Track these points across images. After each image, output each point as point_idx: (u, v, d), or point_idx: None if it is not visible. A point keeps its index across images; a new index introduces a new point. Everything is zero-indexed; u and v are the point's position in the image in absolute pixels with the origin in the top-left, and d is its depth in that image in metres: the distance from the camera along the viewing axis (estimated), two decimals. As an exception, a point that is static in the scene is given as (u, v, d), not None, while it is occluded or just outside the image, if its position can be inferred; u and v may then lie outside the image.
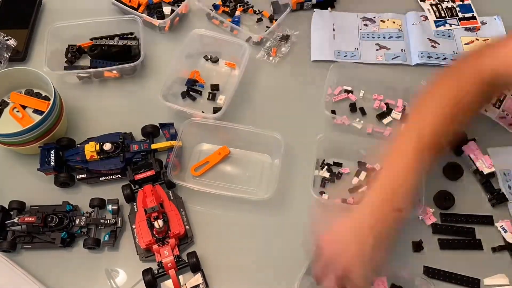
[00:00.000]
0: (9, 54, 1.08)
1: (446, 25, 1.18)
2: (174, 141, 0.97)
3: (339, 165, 0.98)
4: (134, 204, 0.91)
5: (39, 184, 0.95)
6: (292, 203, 0.94)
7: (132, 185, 0.93)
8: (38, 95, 1.02)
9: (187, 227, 0.89)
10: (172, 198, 0.92)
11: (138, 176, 0.92)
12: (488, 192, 0.95)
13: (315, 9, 1.20)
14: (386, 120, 1.03)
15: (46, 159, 0.93)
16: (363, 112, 1.05)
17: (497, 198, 0.93)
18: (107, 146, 0.93)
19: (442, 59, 1.11)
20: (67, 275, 0.87)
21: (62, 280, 0.87)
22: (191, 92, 1.07)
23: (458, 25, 1.19)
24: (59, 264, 0.88)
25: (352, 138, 0.99)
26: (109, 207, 0.91)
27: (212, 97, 1.06)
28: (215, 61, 1.12)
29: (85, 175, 0.95)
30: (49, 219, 0.88)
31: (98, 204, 0.91)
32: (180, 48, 1.07)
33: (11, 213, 0.90)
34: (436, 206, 0.93)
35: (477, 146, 0.97)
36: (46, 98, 1.01)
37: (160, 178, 0.94)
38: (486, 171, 0.94)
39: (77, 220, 0.89)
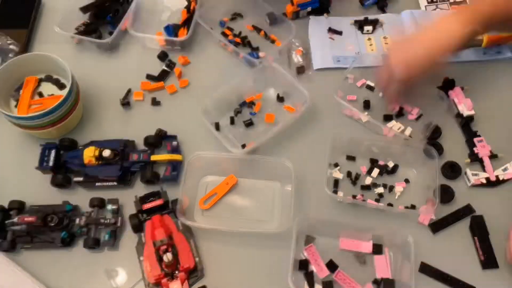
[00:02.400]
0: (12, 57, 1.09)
1: (437, 10, 1.18)
2: (174, 155, 0.95)
3: (352, 159, 0.98)
4: (142, 234, 0.89)
5: (39, 184, 0.95)
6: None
7: (140, 215, 0.90)
8: (57, 81, 1.04)
9: (197, 259, 0.86)
10: (181, 228, 0.89)
11: (146, 206, 0.89)
12: (466, 134, 1.00)
13: (310, 16, 1.18)
14: (390, 124, 1.02)
15: (45, 158, 0.93)
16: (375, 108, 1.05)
17: (473, 136, 0.99)
18: (106, 153, 0.92)
19: None
20: (67, 275, 0.87)
21: (62, 280, 0.87)
22: (236, 116, 1.04)
23: (449, 9, 1.17)
24: (59, 264, 0.88)
25: (364, 135, 1.00)
26: (109, 206, 0.91)
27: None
28: (281, 99, 1.06)
29: (82, 179, 0.94)
30: (49, 219, 0.88)
31: (98, 203, 0.91)
32: (253, 71, 1.05)
33: (11, 213, 0.90)
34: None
35: (461, 91, 1.03)
36: (64, 86, 1.03)
37: (168, 207, 0.91)
38: (466, 113, 1.00)
39: (77, 220, 0.89)
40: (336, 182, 0.96)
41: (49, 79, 1.04)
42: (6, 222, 0.88)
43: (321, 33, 1.16)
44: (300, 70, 1.08)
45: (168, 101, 1.07)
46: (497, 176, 0.94)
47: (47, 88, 1.04)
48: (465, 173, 0.96)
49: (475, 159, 0.97)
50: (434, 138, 1.00)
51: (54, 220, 0.88)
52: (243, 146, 0.98)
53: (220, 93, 1.02)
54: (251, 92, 1.06)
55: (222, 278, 0.87)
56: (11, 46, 1.10)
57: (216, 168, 0.96)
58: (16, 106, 1.00)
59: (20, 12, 1.18)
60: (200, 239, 0.89)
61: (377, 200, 0.94)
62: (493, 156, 0.96)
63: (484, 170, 0.95)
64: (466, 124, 1.01)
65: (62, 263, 0.88)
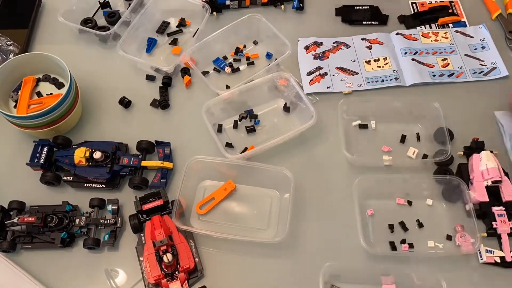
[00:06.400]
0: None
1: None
2: (165, 162, 0.95)
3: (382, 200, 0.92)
4: (142, 235, 0.89)
5: (39, 184, 0.95)
6: (305, 243, 0.90)
7: (140, 215, 0.90)
8: (55, 80, 1.04)
9: (197, 259, 0.86)
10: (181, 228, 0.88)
11: (146, 206, 0.89)
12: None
13: (300, 39, 1.15)
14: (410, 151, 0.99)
15: (37, 155, 0.94)
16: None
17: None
18: (97, 155, 0.92)
19: (439, 76, 1.09)
20: (67, 275, 0.87)
21: (62, 280, 0.87)
22: (240, 121, 1.03)
23: (437, 21, 1.19)
24: (59, 264, 0.88)
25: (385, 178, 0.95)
26: (109, 207, 0.91)
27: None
28: (287, 109, 1.04)
29: (71, 178, 0.94)
30: (49, 219, 0.88)
31: (98, 204, 0.91)
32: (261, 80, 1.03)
33: (11, 213, 0.90)
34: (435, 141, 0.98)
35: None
36: (62, 85, 1.04)
37: (168, 207, 0.91)
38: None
39: (77, 220, 0.89)
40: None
41: (47, 78, 1.04)
42: (6, 222, 0.88)
43: (309, 58, 1.13)
44: (294, 101, 1.04)
45: (170, 102, 1.07)
46: None
47: (45, 88, 1.04)
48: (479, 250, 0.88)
49: (492, 234, 0.89)
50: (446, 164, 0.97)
51: (54, 220, 0.88)
52: (245, 150, 0.97)
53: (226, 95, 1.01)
54: (260, 100, 1.05)
55: (222, 279, 0.87)
56: (11, 47, 1.10)
57: (214, 173, 0.96)
58: (15, 106, 1.01)
59: (20, 12, 1.18)
60: (199, 242, 0.90)
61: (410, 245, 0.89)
62: None
63: (500, 248, 0.88)
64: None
65: (62, 263, 0.88)
